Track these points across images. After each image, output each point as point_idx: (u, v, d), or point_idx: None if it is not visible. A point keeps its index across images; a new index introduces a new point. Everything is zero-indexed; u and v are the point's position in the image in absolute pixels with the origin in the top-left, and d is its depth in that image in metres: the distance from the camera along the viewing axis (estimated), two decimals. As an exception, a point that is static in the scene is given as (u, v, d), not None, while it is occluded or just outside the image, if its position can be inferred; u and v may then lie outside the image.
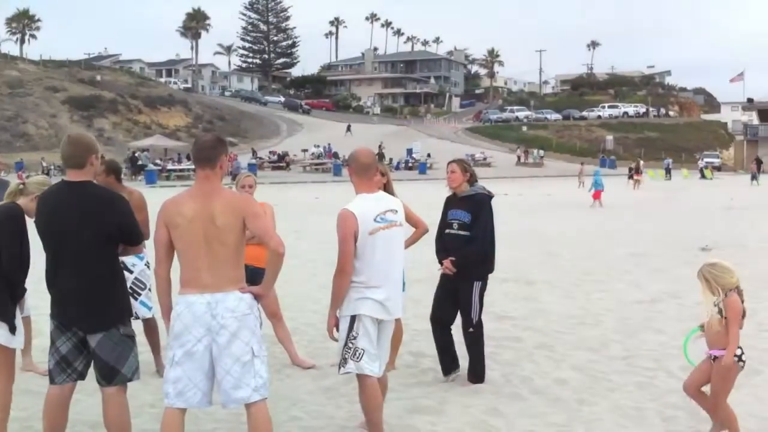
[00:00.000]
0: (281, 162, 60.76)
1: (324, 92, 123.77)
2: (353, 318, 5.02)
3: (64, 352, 4.64)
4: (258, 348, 4.41)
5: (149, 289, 6.74)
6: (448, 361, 6.72)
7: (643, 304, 10.16)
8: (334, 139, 70.52)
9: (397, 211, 5.16)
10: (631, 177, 45.49)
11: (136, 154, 54.40)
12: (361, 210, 4.98)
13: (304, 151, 65.03)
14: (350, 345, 5.01)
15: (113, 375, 4.61)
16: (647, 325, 8.87)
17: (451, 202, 6.77)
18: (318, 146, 65.61)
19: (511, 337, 8.28)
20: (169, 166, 53.31)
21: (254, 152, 61.14)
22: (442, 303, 6.72)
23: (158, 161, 54.39)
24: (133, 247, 4.88)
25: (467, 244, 6.49)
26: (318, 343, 8.01)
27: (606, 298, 10.60)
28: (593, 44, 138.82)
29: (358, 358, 4.99)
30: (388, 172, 6.95)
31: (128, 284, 6.42)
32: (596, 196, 29.44)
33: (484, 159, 65.43)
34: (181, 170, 51.99)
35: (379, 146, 58.51)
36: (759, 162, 55.40)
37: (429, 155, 61.59)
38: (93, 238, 4.54)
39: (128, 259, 6.47)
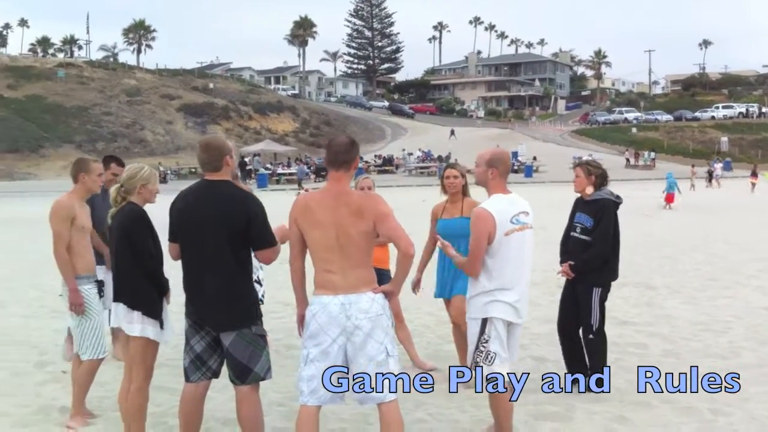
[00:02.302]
0: (387, 165, 61.24)
1: (428, 96, 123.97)
2: (485, 321, 4.96)
3: (198, 351, 4.75)
4: (391, 347, 4.42)
5: None
6: (574, 370, 6.56)
7: (773, 311, 9.70)
8: (438, 142, 70.54)
9: (528, 213, 5.08)
10: (710, 179, 43.77)
11: (246, 159, 55.85)
12: (499, 210, 4.92)
13: (410, 154, 65.43)
14: (482, 348, 4.95)
15: (246, 374, 4.67)
16: (780, 333, 8.47)
17: (578, 205, 6.65)
18: (421, 150, 65.80)
19: (636, 344, 8.05)
20: (279, 170, 54.51)
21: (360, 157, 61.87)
22: (566, 310, 6.61)
23: (269, 165, 55.71)
24: (261, 251, 4.75)
25: (586, 249, 6.37)
26: (436, 346, 8.02)
27: (732, 304, 10.16)
28: (705, 43, 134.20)
29: (490, 361, 4.93)
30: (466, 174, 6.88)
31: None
32: (669, 199, 28.58)
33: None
34: (290, 174, 53.11)
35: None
36: None
37: (535, 158, 60.81)
38: (227, 236, 4.59)
39: None
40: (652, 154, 68.83)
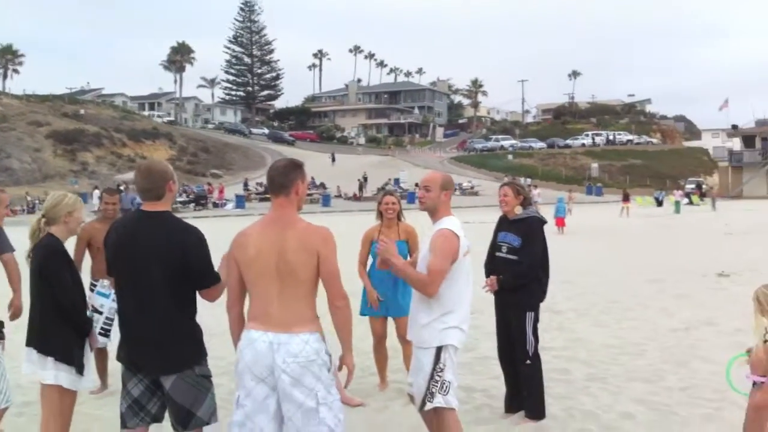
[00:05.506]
0: (269, 194, 60.72)
1: (308, 124, 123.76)
2: (440, 349, 4.66)
3: (136, 395, 4.25)
4: (325, 394, 3.94)
5: None
6: (516, 400, 6.32)
7: (679, 332, 9.81)
8: (319, 169, 70.32)
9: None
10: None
11: (121, 187, 53.82)
12: (461, 233, 4.73)
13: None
14: (437, 378, 4.63)
15: (189, 419, 4.19)
16: (694, 354, 8.53)
17: (501, 224, 6.45)
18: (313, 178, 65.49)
19: (558, 369, 7.87)
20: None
21: (246, 183, 61.25)
22: (503, 338, 6.37)
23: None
24: (205, 290, 4.27)
25: (514, 269, 6.16)
26: (358, 379, 7.60)
27: (640, 326, 10.23)
28: (574, 74, 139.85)
29: (445, 391, 4.64)
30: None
31: (99, 327, 5.47)
32: (559, 223, 29.41)
33: (472, 188, 65.42)
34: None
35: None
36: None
37: (417, 185, 61.37)
38: (164, 274, 4.12)
39: (97, 300, 5.69)
40: (529, 180, 70.86)
